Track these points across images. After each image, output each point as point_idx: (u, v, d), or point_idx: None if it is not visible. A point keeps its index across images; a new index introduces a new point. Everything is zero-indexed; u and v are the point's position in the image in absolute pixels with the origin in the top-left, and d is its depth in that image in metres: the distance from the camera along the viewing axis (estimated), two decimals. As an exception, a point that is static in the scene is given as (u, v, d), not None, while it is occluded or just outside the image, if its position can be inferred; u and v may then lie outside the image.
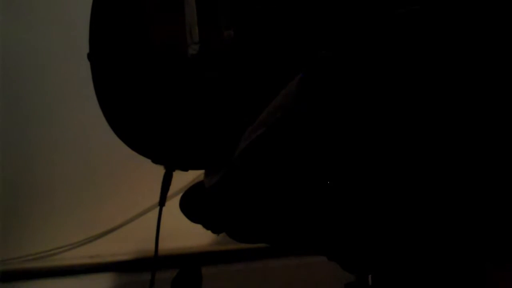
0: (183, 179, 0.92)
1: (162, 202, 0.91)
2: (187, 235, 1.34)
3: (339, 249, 0.74)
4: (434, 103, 0.65)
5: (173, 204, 0.88)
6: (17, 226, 1.39)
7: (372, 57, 0.67)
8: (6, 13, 1.33)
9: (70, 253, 1.42)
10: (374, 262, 0.73)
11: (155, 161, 0.83)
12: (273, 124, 0.70)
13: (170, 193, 0.92)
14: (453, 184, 0.66)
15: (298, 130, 0.69)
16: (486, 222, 0.67)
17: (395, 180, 0.68)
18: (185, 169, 0.84)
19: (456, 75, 0.65)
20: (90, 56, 0.83)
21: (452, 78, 0.65)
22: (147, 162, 0.84)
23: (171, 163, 0.85)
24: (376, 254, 0.72)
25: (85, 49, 0.84)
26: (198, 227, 0.82)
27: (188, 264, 0.94)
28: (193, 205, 0.84)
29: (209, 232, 0.83)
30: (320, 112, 0.68)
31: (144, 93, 0.81)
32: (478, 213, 0.67)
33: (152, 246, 0.96)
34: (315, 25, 0.75)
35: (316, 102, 0.68)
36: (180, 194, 0.85)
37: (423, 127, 0.66)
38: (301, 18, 0.76)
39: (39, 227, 1.40)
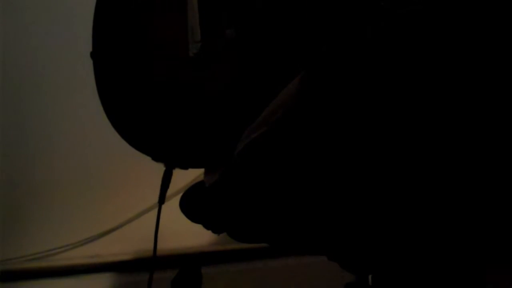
0: (183, 178, 0.93)
1: (161, 200, 0.92)
2: (187, 235, 1.35)
3: (339, 249, 0.74)
4: (434, 103, 0.65)
5: (173, 204, 0.88)
6: (17, 226, 1.39)
7: (373, 57, 0.67)
8: (6, 13, 1.33)
9: (70, 253, 1.42)
10: (374, 262, 0.73)
11: (156, 158, 0.83)
12: (274, 123, 0.70)
13: (170, 193, 0.92)
14: (453, 184, 0.66)
15: (299, 130, 0.69)
16: (486, 222, 0.67)
17: (395, 180, 0.68)
18: (185, 167, 0.84)
19: (457, 75, 0.65)
20: (93, 55, 0.84)
21: (453, 78, 0.65)
22: (147, 163, 0.84)
23: (172, 161, 0.85)
24: (376, 254, 0.72)
25: (85, 48, 0.85)
26: (198, 227, 0.82)
27: (188, 264, 0.94)
28: (193, 205, 0.84)
29: (209, 232, 0.82)
30: (321, 111, 0.68)
31: (145, 91, 0.81)
32: (478, 213, 0.67)
33: (152, 246, 0.96)
34: (317, 24, 0.75)
35: (317, 101, 0.68)
36: (180, 194, 0.85)
37: (424, 127, 0.66)
38: (302, 17, 0.76)
39: (39, 227, 1.40)
